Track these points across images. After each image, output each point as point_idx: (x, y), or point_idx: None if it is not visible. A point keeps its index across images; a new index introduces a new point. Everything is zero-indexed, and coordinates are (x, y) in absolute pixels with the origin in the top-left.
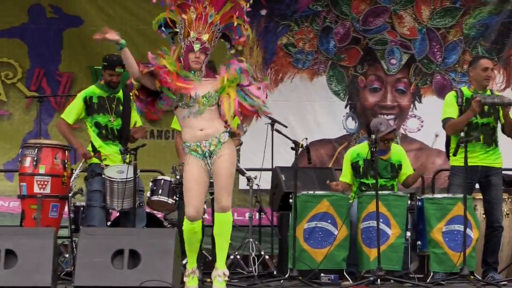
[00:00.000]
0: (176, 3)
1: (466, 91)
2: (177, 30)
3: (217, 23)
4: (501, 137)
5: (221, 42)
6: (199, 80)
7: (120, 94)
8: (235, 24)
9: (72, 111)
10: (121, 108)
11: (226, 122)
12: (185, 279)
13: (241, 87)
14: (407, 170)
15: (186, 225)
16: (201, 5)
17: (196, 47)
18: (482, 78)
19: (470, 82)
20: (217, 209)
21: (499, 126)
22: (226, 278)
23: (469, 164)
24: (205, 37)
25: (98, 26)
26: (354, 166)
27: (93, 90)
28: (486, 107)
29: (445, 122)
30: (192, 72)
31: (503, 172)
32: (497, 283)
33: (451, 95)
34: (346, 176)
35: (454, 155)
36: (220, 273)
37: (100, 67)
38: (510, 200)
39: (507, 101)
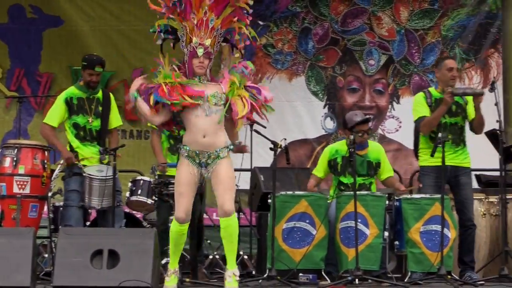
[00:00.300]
0: (175, 11)
1: (434, 91)
2: (172, 38)
3: (218, 27)
4: (475, 138)
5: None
6: (204, 84)
7: (100, 94)
8: (236, 29)
9: (55, 114)
10: (100, 109)
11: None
12: (166, 279)
13: (247, 89)
14: (387, 169)
15: (175, 226)
16: (201, 11)
17: (200, 52)
18: (447, 78)
19: (437, 83)
20: (221, 214)
21: (467, 125)
22: (237, 278)
23: (438, 164)
24: (207, 42)
25: (78, 26)
26: (332, 164)
27: (72, 91)
28: (453, 107)
29: (420, 121)
30: (197, 77)
31: (480, 172)
32: (474, 283)
33: (420, 96)
34: (319, 171)
35: (432, 155)
36: (230, 274)
37: (80, 67)
38: (487, 200)
39: (479, 91)
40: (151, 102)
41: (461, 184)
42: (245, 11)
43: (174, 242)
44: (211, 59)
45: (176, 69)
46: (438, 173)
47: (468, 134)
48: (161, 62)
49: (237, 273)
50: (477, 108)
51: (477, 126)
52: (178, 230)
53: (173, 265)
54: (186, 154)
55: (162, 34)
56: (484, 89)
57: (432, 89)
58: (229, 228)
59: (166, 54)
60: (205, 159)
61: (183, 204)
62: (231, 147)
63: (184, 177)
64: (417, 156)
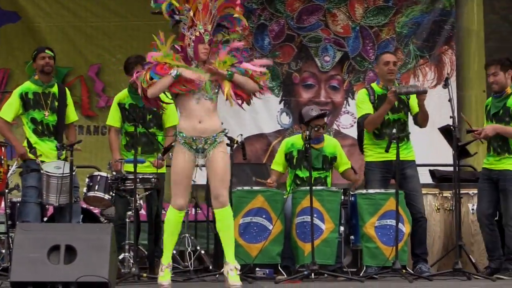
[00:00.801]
0: None
1: (376, 87)
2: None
3: (215, 14)
4: (428, 134)
5: None
6: (200, 70)
7: (55, 89)
8: (231, 14)
9: (10, 108)
10: (56, 103)
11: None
12: (160, 273)
13: (233, 66)
14: (344, 162)
15: (173, 214)
16: None
17: (206, 38)
18: (384, 72)
19: (378, 79)
20: (216, 205)
21: (410, 120)
22: (239, 272)
23: (383, 159)
24: (209, 27)
25: (35, 23)
26: (288, 157)
27: (28, 86)
28: (396, 103)
29: (364, 119)
30: (194, 63)
31: (434, 168)
32: (428, 277)
33: (362, 93)
34: (278, 164)
35: (387, 151)
36: (232, 267)
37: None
38: (441, 195)
39: (422, 89)
40: (147, 77)
41: (407, 177)
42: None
43: (170, 232)
44: (211, 45)
45: (176, 50)
46: (383, 168)
47: (421, 130)
48: (161, 39)
49: (238, 266)
50: (421, 105)
51: (421, 120)
52: (175, 218)
53: (167, 259)
54: (183, 141)
55: (174, 16)
56: (438, 85)
57: (374, 85)
58: (226, 220)
59: (172, 36)
60: (201, 145)
61: (181, 191)
62: (227, 131)
63: (180, 165)
64: (362, 152)
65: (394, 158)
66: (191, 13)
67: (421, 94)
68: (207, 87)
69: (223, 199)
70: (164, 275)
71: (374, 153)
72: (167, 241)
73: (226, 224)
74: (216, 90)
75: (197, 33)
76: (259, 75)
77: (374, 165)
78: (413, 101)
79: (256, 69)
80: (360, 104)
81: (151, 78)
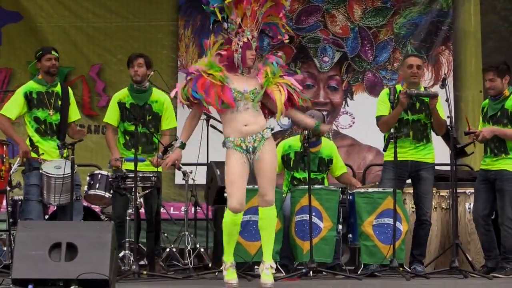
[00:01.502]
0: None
1: (400, 88)
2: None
3: (260, 20)
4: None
5: None
6: (245, 76)
7: (58, 88)
8: (275, 23)
9: (13, 106)
10: (59, 103)
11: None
12: (223, 272)
13: (282, 77)
14: (340, 166)
15: (229, 216)
16: (255, 3)
17: (254, 45)
18: (408, 76)
19: (403, 80)
20: (262, 204)
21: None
22: (274, 271)
23: (400, 159)
24: (255, 34)
25: (37, 23)
26: (285, 159)
27: (31, 85)
28: (417, 104)
29: (378, 120)
30: (240, 70)
31: None
32: (425, 275)
33: (384, 93)
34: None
35: (384, 150)
36: (267, 266)
37: (35, 61)
38: (438, 194)
39: (433, 93)
40: (189, 92)
41: (421, 179)
42: (284, 8)
43: (227, 233)
44: (257, 51)
45: (221, 56)
46: (399, 168)
47: None
48: (210, 44)
49: (274, 265)
50: (433, 110)
51: (436, 127)
52: (232, 220)
53: (229, 258)
54: (232, 144)
55: (224, 23)
56: (435, 85)
57: (398, 86)
58: (269, 219)
59: (219, 39)
60: (251, 143)
61: (235, 193)
62: (272, 126)
63: (234, 167)
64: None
65: (410, 159)
66: (239, 19)
67: (432, 97)
68: (248, 98)
69: (268, 198)
70: (228, 274)
71: (391, 153)
72: (225, 241)
73: (269, 223)
74: (260, 98)
75: (245, 39)
76: (302, 92)
77: (389, 164)
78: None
79: (299, 87)
80: (378, 104)
81: (193, 96)
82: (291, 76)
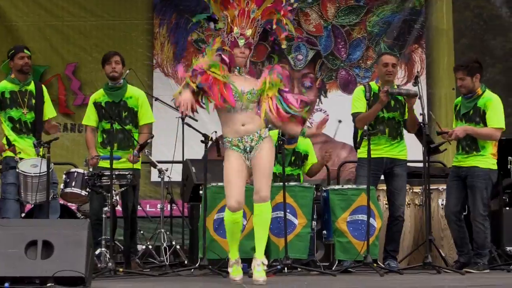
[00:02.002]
0: (217, 0)
1: (374, 86)
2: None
3: (258, 18)
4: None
5: None
6: (243, 76)
7: (32, 87)
8: (276, 19)
9: None
10: (33, 101)
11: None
12: (229, 269)
13: (280, 92)
14: (313, 160)
15: (228, 215)
16: (243, 1)
17: (241, 42)
18: (383, 73)
19: (377, 78)
20: (257, 200)
21: None
22: (265, 267)
23: (375, 156)
24: (248, 32)
25: (12, 22)
26: None
27: (4, 85)
28: (392, 102)
29: (355, 116)
30: (237, 68)
31: None
32: (399, 270)
33: (359, 90)
34: None
35: (358, 147)
36: (259, 263)
37: (7, 60)
38: (411, 191)
39: (413, 92)
40: (194, 83)
41: (394, 175)
42: (284, 3)
43: (230, 232)
44: (251, 49)
45: (221, 59)
46: (374, 165)
47: None
48: (212, 43)
49: (266, 262)
50: (410, 109)
51: (409, 126)
52: (231, 219)
53: (234, 255)
54: (230, 144)
55: (212, 24)
56: (408, 83)
57: (373, 83)
58: (263, 214)
59: (219, 37)
60: (248, 143)
61: (232, 193)
62: (270, 125)
63: (231, 166)
64: (356, 148)
65: (385, 156)
66: (229, 20)
67: (411, 97)
68: (245, 99)
69: (263, 194)
70: (234, 271)
71: (366, 150)
72: (228, 239)
73: (263, 219)
74: (256, 99)
75: (232, 38)
76: (300, 110)
77: (364, 161)
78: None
79: (297, 105)
80: (354, 101)
81: (197, 87)
82: (289, 94)
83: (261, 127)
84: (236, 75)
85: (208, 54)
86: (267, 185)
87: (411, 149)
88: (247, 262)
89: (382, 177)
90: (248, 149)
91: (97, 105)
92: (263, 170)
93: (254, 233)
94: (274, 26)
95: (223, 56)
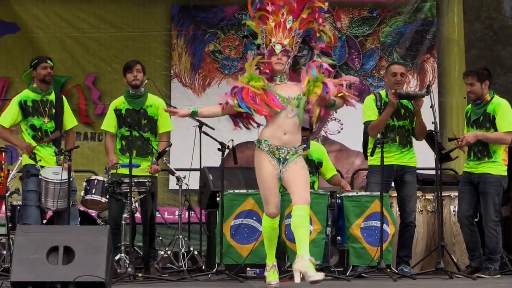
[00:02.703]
0: (255, 17)
1: (384, 94)
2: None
3: (296, 28)
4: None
5: None
6: (286, 83)
7: (53, 96)
8: (316, 29)
9: (8, 115)
10: (54, 110)
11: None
12: (265, 273)
13: (323, 84)
14: (330, 168)
15: (267, 222)
16: (279, 13)
17: (277, 49)
18: (392, 83)
19: (387, 87)
20: (299, 202)
21: None
22: (315, 264)
23: (385, 163)
24: (285, 41)
25: (34, 33)
26: None
27: (27, 94)
28: (402, 111)
29: (367, 124)
30: (278, 76)
31: (417, 171)
32: (412, 275)
33: (370, 99)
34: None
35: (371, 155)
36: (306, 258)
37: (30, 70)
38: (424, 197)
39: (421, 93)
40: (233, 102)
41: (405, 182)
42: (323, 11)
43: (267, 237)
44: (289, 56)
45: (260, 71)
46: (385, 172)
47: None
48: (248, 57)
49: (314, 260)
50: (417, 112)
51: (417, 131)
52: (270, 225)
53: (271, 259)
54: (267, 148)
55: (253, 44)
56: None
57: (383, 92)
58: (304, 216)
59: (255, 55)
60: (284, 155)
61: (271, 198)
62: (304, 145)
63: (267, 173)
64: (366, 156)
65: (396, 163)
66: (267, 33)
67: (420, 97)
68: (292, 104)
69: (307, 197)
70: (270, 275)
71: (377, 157)
72: (266, 245)
73: (304, 222)
74: (304, 102)
75: (270, 48)
76: (344, 90)
77: (375, 168)
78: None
79: (338, 87)
80: (366, 109)
81: (239, 106)
82: (330, 82)
83: (299, 143)
84: (278, 84)
85: (247, 70)
86: (306, 190)
87: (423, 156)
88: (263, 267)
89: (393, 184)
90: (282, 160)
91: (117, 111)
92: (302, 177)
93: (280, 239)
94: (322, 35)
95: (261, 68)
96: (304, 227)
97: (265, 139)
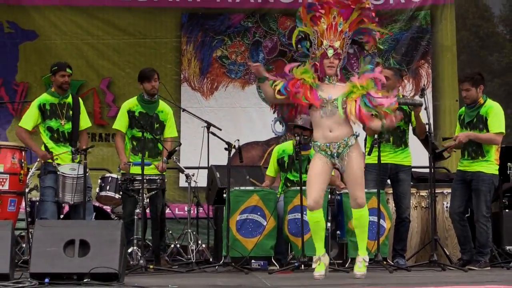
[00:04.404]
0: (307, 19)
1: None
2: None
3: (346, 31)
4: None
5: None
6: (333, 84)
7: (70, 99)
8: (365, 28)
9: (29, 118)
10: (71, 113)
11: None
12: (313, 265)
13: (368, 95)
14: None
15: (309, 215)
16: (331, 16)
17: (330, 53)
18: None
19: None
20: (354, 206)
21: (410, 129)
22: (367, 264)
23: (381, 162)
24: (336, 44)
25: (51, 40)
26: (280, 162)
27: (45, 97)
28: (397, 113)
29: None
30: (327, 78)
31: (412, 169)
32: (407, 268)
33: None
34: (271, 170)
35: (369, 154)
36: (360, 259)
37: (49, 75)
38: (418, 194)
39: (418, 103)
40: (278, 87)
41: (399, 180)
42: (369, 12)
43: (312, 230)
44: (340, 59)
45: (315, 69)
46: (380, 170)
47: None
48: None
49: (367, 259)
50: (417, 117)
51: (418, 132)
52: (311, 218)
53: (318, 251)
54: (318, 148)
55: (303, 46)
56: (415, 96)
57: None
58: (362, 219)
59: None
60: (335, 150)
61: (311, 193)
62: (357, 134)
63: (316, 167)
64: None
65: (390, 162)
66: (319, 34)
67: (416, 106)
68: (330, 105)
69: (360, 201)
70: (318, 267)
71: (373, 156)
72: (313, 238)
73: (362, 223)
74: (341, 106)
75: (322, 50)
76: (388, 111)
77: (371, 166)
78: (413, 115)
79: (385, 103)
80: None
81: (279, 91)
82: (382, 94)
83: (348, 135)
84: (326, 84)
85: (306, 64)
86: (361, 192)
87: (418, 155)
88: (267, 259)
89: (389, 181)
90: (335, 155)
91: (130, 113)
92: (355, 179)
93: (283, 233)
94: (362, 37)
95: (316, 64)
96: (360, 228)
97: (315, 140)
